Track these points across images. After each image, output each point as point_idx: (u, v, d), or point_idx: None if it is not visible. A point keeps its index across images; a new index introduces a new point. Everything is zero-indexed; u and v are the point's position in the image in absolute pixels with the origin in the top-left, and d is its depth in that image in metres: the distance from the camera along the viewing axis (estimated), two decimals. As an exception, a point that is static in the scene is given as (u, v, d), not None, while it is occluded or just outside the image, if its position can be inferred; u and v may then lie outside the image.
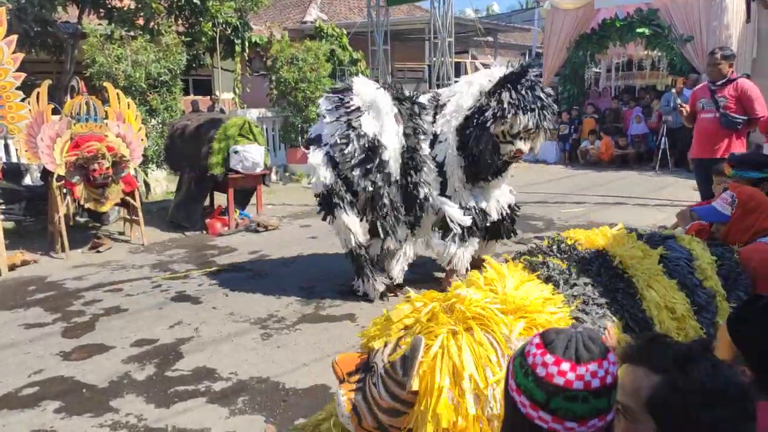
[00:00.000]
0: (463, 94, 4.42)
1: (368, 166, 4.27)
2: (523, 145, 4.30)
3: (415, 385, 1.75)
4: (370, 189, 4.30)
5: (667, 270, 2.26)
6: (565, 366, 1.11)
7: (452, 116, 4.43)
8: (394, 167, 4.39)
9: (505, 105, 4.13)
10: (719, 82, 5.03)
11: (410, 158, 4.43)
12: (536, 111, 4.16)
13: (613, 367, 1.14)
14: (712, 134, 5.06)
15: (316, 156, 4.36)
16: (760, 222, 2.69)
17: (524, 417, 1.14)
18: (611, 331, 1.93)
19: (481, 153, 4.27)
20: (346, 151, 4.25)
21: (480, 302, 1.82)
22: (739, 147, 5.01)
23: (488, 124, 4.18)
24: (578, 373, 1.11)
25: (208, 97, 14.36)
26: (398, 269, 4.67)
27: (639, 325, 2.02)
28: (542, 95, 4.24)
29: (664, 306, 2.10)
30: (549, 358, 1.13)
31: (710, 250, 2.51)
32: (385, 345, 1.94)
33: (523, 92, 4.16)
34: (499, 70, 4.42)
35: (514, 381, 1.18)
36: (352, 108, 4.33)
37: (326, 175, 4.31)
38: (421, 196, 4.47)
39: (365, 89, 4.42)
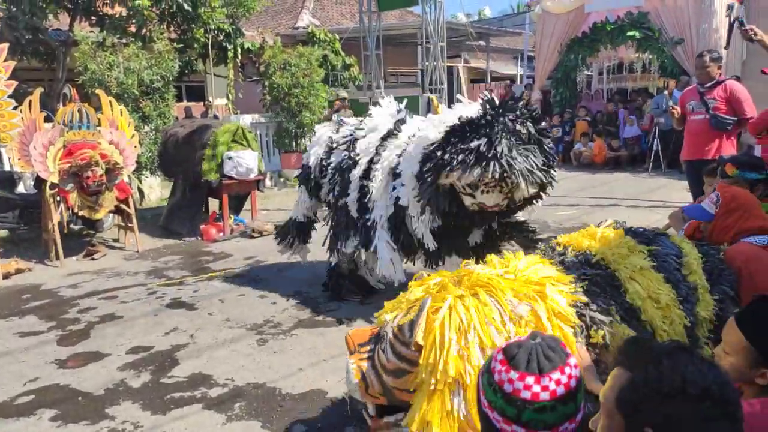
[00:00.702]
0: (426, 133, 3.85)
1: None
2: (486, 198, 3.63)
3: (419, 337, 1.83)
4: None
5: (656, 264, 2.35)
6: (530, 380, 1.16)
7: (412, 158, 3.90)
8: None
9: (448, 155, 3.52)
10: (708, 84, 5.08)
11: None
12: (501, 158, 3.39)
13: (574, 371, 1.19)
14: (702, 136, 5.11)
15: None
16: (740, 223, 2.74)
17: (499, 431, 1.20)
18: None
19: (430, 205, 3.77)
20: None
21: (488, 274, 1.94)
22: (729, 148, 5.06)
23: (428, 177, 3.65)
24: (543, 385, 1.16)
25: (202, 103, 14.36)
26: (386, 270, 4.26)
27: (627, 313, 2.11)
28: (526, 133, 3.56)
29: (648, 296, 2.19)
30: (513, 374, 1.18)
31: (697, 249, 2.61)
32: (396, 316, 2.05)
33: (480, 136, 3.49)
34: (470, 108, 3.75)
35: (485, 398, 1.22)
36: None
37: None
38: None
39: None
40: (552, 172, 3.69)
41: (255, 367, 3.69)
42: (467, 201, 3.69)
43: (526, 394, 1.16)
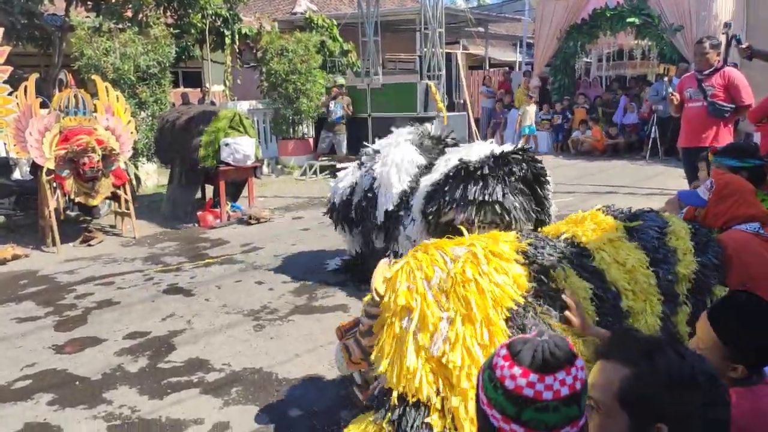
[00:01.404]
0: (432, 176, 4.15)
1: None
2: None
3: (379, 287, 2.12)
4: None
5: (631, 235, 2.53)
6: (534, 377, 1.11)
7: (420, 194, 4.22)
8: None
9: (448, 196, 3.85)
10: (706, 71, 5.06)
11: None
12: (494, 204, 3.71)
13: (581, 373, 1.14)
14: (699, 123, 5.10)
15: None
16: (732, 209, 2.73)
17: (497, 430, 1.15)
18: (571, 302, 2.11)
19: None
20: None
21: (443, 240, 2.26)
22: (726, 135, 5.05)
23: (431, 216, 3.95)
24: (547, 384, 1.11)
25: (199, 89, 14.29)
26: None
27: (590, 273, 2.30)
28: (521, 175, 3.85)
29: (614, 261, 2.37)
30: (517, 370, 1.13)
31: (688, 224, 2.72)
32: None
33: (477, 181, 3.79)
34: (483, 148, 4.05)
35: (485, 395, 1.18)
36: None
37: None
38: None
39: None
40: (548, 209, 4.06)
41: (252, 353, 3.71)
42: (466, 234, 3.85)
43: (529, 392, 1.10)
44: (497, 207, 3.73)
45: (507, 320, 1.97)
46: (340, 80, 11.05)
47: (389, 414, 1.94)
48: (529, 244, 2.27)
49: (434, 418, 1.86)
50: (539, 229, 2.93)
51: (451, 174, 3.93)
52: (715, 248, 2.60)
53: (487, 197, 3.72)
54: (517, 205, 3.79)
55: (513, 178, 3.84)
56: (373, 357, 2.15)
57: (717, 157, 3.33)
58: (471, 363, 1.86)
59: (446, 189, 3.90)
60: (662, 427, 1.20)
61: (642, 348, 1.26)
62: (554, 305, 2.11)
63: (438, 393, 1.89)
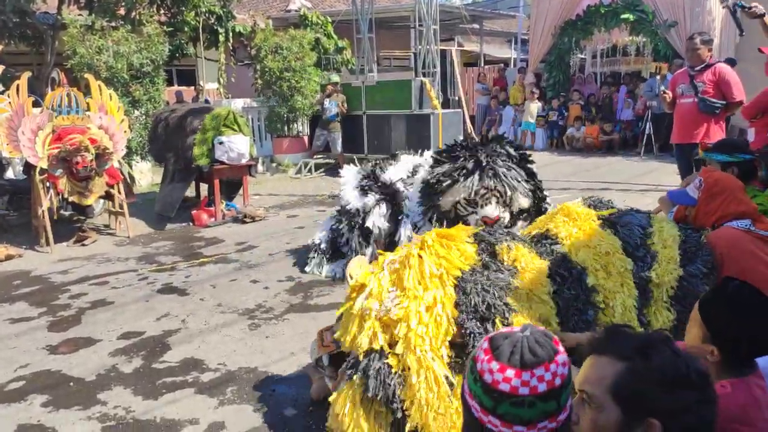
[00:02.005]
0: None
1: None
2: (487, 211, 3.98)
3: (353, 272, 2.53)
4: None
5: (615, 231, 2.70)
6: (510, 372, 1.13)
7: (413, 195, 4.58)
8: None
9: (438, 178, 4.05)
10: (698, 67, 5.07)
11: None
12: (488, 168, 3.95)
13: (561, 369, 1.15)
14: (691, 119, 5.11)
15: None
16: (723, 207, 2.73)
17: (477, 420, 1.18)
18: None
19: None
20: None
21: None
22: (717, 132, 5.06)
23: (429, 204, 4.18)
24: (523, 379, 1.12)
25: (193, 87, 14.23)
26: None
27: (552, 255, 2.58)
28: (506, 154, 4.10)
29: (585, 245, 2.58)
30: (495, 365, 1.15)
31: (678, 230, 2.75)
32: None
33: (466, 157, 4.04)
34: None
35: (467, 385, 1.21)
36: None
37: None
38: None
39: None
40: (542, 194, 4.23)
41: (247, 352, 3.71)
42: (471, 220, 3.98)
43: (505, 387, 1.13)
44: (490, 173, 3.95)
45: (455, 286, 2.28)
46: (335, 78, 11.02)
47: (357, 369, 2.23)
48: (483, 230, 2.65)
49: (391, 360, 2.18)
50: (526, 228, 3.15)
51: (440, 155, 4.24)
52: (705, 256, 2.61)
53: (479, 165, 3.97)
54: (510, 174, 3.99)
55: (501, 158, 4.07)
56: (337, 334, 2.45)
57: (707, 153, 3.35)
58: (407, 319, 2.18)
59: (434, 170, 4.12)
60: (654, 422, 1.20)
61: (636, 344, 1.27)
62: (501, 275, 2.39)
63: (390, 345, 2.22)
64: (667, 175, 8.77)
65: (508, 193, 3.96)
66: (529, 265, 2.45)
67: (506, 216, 4.02)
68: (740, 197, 2.78)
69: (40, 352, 3.82)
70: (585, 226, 2.70)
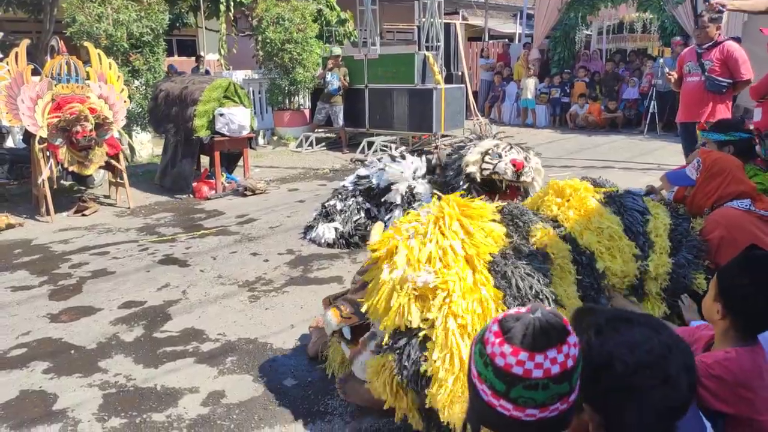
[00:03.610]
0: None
1: None
2: (513, 154, 4.23)
3: (373, 240, 2.38)
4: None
5: (618, 213, 2.67)
6: (524, 355, 1.10)
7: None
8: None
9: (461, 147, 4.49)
10: (706, 45, 5.00)
11: None
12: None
13: (573, 350, 1.13)
14: (697, 98, 5.06)
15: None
16: (723, 187, 2.71)
17: (486, 404, 1.15)
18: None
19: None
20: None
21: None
22: (723, 111, 5.02)
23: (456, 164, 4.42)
24: (537, 362, 1.10)
25: (193, 58, 14.08)
26: None
27: (565, 238, 2.50)
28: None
29: (587, 228, 2.53)
30: (507, 348, 1.12)
31: (670, 218, 2.77)
32: None
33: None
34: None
35: (475, 368, 1.18)
36: None
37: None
38: None
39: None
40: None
41: (247, 323, 3.73)
42: (500, 168, 4.16)
43: (518, 370, 1.10)
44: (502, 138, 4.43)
45: (488, 269, 2.17)
46: (337, 50, 10.89)
47: (390, 346, 2.16)
48: (508, 207, 2.56)
49: (427, 341, 2.07)
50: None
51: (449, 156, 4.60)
52: (690, 242, 2.62)
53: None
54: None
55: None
56: (364, 307, 2.32)
57: (704, 133, 3.33)
58: (449, 291, 2.09)
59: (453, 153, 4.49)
60: (585, 407, 1.23)
61: (592, 321, 1.28)
62: (536, 261, 2.27)
63: (425, 320, 2.11)
64: (670, 153, 8.74)
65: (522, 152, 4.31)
66: (559, 252, 2.33)
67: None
68: (739, 177, 2.76)
69: (41, 320, 3.85)
70: (579, 205, 2.63)
